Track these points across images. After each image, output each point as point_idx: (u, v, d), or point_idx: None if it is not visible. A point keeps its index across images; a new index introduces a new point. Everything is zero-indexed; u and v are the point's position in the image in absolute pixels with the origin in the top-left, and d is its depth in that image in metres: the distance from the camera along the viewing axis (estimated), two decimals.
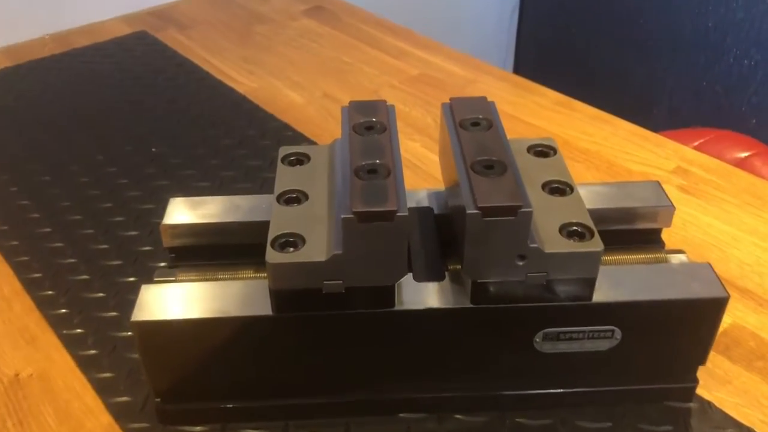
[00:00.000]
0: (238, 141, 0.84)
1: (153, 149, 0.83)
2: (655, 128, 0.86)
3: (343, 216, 0.42)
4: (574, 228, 0.46)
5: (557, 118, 0.87)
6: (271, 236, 0.45)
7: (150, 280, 0.51)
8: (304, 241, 0.45)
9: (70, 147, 0.84)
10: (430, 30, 1.19)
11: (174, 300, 0.47)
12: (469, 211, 0.42)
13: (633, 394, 0.52)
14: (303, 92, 0.95)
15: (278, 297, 0.45)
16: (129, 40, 1.09)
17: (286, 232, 0.45)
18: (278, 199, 0.49)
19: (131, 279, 0.64)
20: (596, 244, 0.44)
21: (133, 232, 0.70)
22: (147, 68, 1.01)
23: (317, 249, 0.44)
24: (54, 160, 0.81)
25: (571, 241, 0.45)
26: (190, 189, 0.76)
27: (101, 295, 0.63)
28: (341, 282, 0.44)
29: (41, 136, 0.86)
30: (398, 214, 0.42)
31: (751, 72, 1.42)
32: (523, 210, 0.42)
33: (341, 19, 1.15)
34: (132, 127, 0.88)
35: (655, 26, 1.52)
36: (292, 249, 0.45)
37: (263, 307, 0.46)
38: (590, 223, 0.46)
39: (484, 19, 1.75)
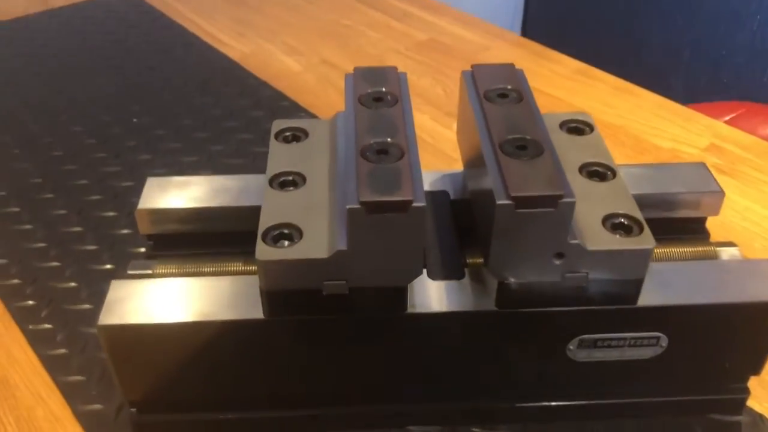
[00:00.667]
0: (229, 112, 0.77)
1: (134, 120, 0.76)
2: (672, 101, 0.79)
3: (348, 206, 0.35)
4: (620, 220, 0.39)
5: (578, 88, 0.80)
6: (262, 227, 0.38)
7: (125, 271, 0.44)
8: (301, 233, 0.38)
9: (43, 116, 0.77)
10: None
11: (149, 299, 0.41)
12: (499, 202, 0.35)
13: (675, 406, 0.46)
14: (300, 58, 0.87)
15: (271, 298, 0.38)
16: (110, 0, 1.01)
17: (280, 222, 0.39)
18: (271, 182, 0.42)
19: (107, 266, 0.58)
20: (646, 240, 0.38)
21: (111, 213, 0.63)
22: (130, 31, 0.94)
23: (317, 243, 0.37)
24: (24, 131, 0.74)
25: (617, 236, 0.38)
26: (175, 164, 0.69)
27: (73, 284, 0.56)
28: (345, 282, 0.37)
29: (10, 104, 0.79)
30: (414, 204, 0.35)
31: None
32: (564, 200, 0.35)
33: None
34: (113, 95, 0.81)
35: None
36: (287, 243, 0.38)
37: (253, 310, 0.39)
38: (638, 214, 0.39)
39: None
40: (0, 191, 0.66)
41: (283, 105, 0.78)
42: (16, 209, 0.64)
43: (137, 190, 0.59)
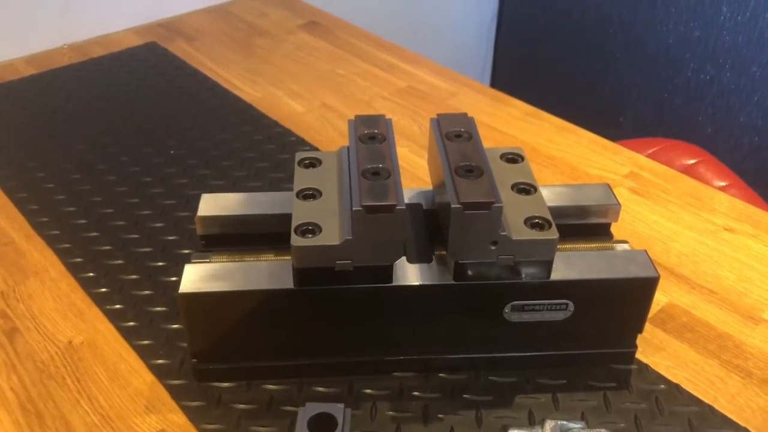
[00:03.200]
0: (247, 145, 0.94)
1: (171, 151, 0.93)
2: (621, 135, 0.98)
3: (354, 208, 0.53)
4: (536, 220, 0.57)
5: (528, 127, 0.99)
6: (294, 225, 0.56)
7: (177, 265, 0.61)
8: (320, 228, 0.56)
9: (96, 148, 0.94)
10: (415, 40, 1.31)
11: (212, 276, 0.58)
12: (453, 206, 0.53)
13: (584, 358, 0.64)
14: (302, 101, 1.05)
15: (300, 273, 0.56)
16: (141, 50, 1.19)
17: (306, 221, 0.56)
18: (297, 195, 0.60)
19: (161, 264, 0.75)
20: (553, 233, 0.56)
21: (160, 224, 0.80)
22: (160, 77, 1.11)
23: (331, 235, 0.55)
24: (83, 159, 0.91)
25: (534, 230, 0.56)
26: (207, 187, 0.86)
27: (136, 276, 0.73)
28: (350, 262, 0.55)
29: (69, 139, 0.96)
30: (397, 207, 0.53)
31: (707, 85, 1.56)
32: (495, 205, 0.53)
33: (334, 33, 1.26)
34: (151, 131, 0.97)
35: (621, 43, 1.65)
36: (311, 235, 0.56)
37: (286, 282, 0.57)
38: (549, 217, 0.57)
39: (465, 32, 1.87)
40: (69, 207, 0.83)
41: (290, 140, 0.96)
42: (84, 221, 0.81)
43: (178, 206, 0.78)
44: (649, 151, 1.04)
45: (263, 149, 0.93)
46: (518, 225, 0.57)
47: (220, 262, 0.62)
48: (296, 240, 0.55)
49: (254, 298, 0.57)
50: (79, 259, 0.75)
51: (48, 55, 1.17)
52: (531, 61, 1.86)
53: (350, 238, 0.54)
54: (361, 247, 0.55)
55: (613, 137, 0.99)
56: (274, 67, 1.15)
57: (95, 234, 0.79)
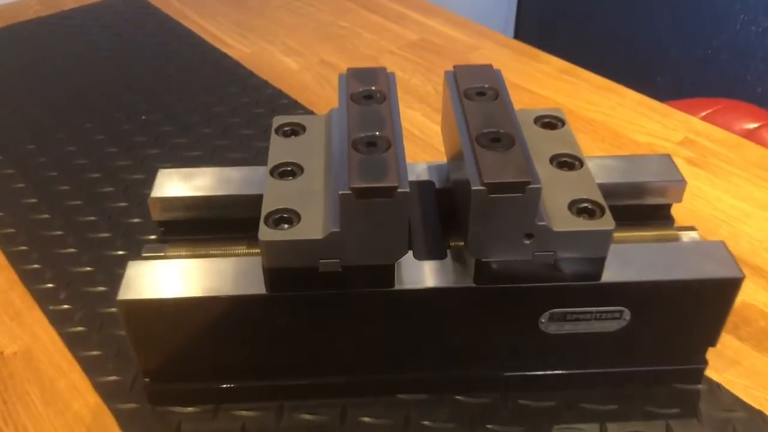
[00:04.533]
0: (232, 108, 0.81)
1: (143, 117, 0.80)
2: (658, 98, 0.83)
3: (340, 192, 0.39)
4: (584, 204, 0.43)
5: (562, 86, 0.85)
6: (264, 212, 0.43)
7: (139, 255, 0.49)
8: (299, 217, 0.43)
9: (56, 114, 0.81)
10: None
11: (163, 277, 0.45)
12: (474, 188, 0.40)
13: (640, 376, 0.50)
14: (298, 58, 0.91)
15: (272, 275, 0.43)
16: (118, 2, 1.06)
17: (280, 207, 0.43)
18: (272, 172, 0.46)
19: (120, 252, 0.62)
20: (607, 222, 0.42)
21: (123, 204, 0.68)
22: (137, 32, 0.98)
23: (313, 226, 0.42)
24: (40, 127, 0.79)
25: (581, 218, 0.43)
26: (182, 158, 0.73)
27: (89, 269, 0.61)
28: (338, 261, 0.42)
29: (27, 103, 0.83)
30: (399, 190, 0.39)
31: (759, 39, 1.39)
32: (531, 186, 0.40)
33: None
34: (121, 94, 0.85)
35: None
36: (286, 225, 0.42)
37: (257, 286, 0.44)
38: (601, 200, 0.44)
39: None
40: (18, 183, 0.70)
41: (282, 103, 0.82)
42: (34, 200, 0.68)
43: (146, 183, 0.64)
44: (703, 114, 0.89)
45: (250, 114, 0.80)
46: (561, 211, 0.43)
47: (177, 256, 0.49)
48: (266, 232, 0.42)
49: (217, 307, 0.44)
50: (23, 247, 0.63)
51: (12, 7, 1.04)
52: (558, 12, 1.70)
53: (337, 230, 0.41)
54: (351, 243, 0.41)
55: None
56: (267, 19, 1.01)
57: (46, 216, 0.66)
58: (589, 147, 0.74)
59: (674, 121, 0.79)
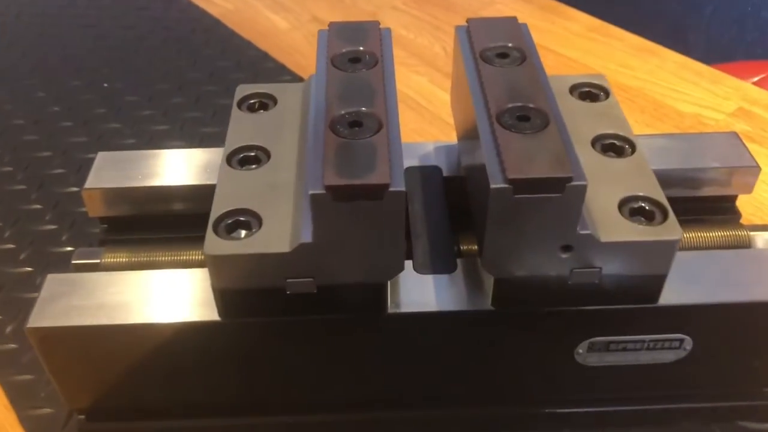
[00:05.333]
0: (208, 74, 0.71)
1: (105, 84, 0.69)
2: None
3: (311, 191, 0.29)
4: (640, 204, 0.33)
5: (593, 47, 0.73)
6: (214, 214, 0.32)
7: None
8: (260, 221, 0.32)
9: (4, 80, 0.71)
10: None
11: (87, 297, 0.35)
12: (493, 186, 0.29)
13: (699, 413, 0.40)
14: (288, 15, 0.80)
15: (225, 299, 0.33)
16: None
17: (236, 208, 0.33)
18: (229, 159, 0.36)
19: (67, 249, 0.52)
20: (672, 230, 0.31)
21: (74, 189, 0.58)
22: None
23: (278, 234, 0.31)
24: None
25: (636, 224, 0.32)
26: (146, 134, 0.63)
27: (28, 269, 0.51)
28: (312, 279, 0.32)
29: None
30: (391, 189, 0.29)
31: None
32: (573, 184, 0.29)
33: None
34: (83, 57, 0.74)
35: None
36: (243, 233, 0.32)
37: (209, 310, 0.34)
38: (662, 198, 0.33)
39: None
40: None
41: (267, 66, 0.71)
42: None
43: None
44: (754, 79, 0.78)
45: (228, 80, 0.70)
46: (608, 213, 0.32)
47: (115, 264, 0.38)
48: (215, 243, 0.31)
49: (158, 336, 0.34)
50: None
51: None
52: None
53: (308, 241, 0.30)
54: (329, 257, 0.31)
55: None
56: None
57: None
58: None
59: (725, 87, 0.67)
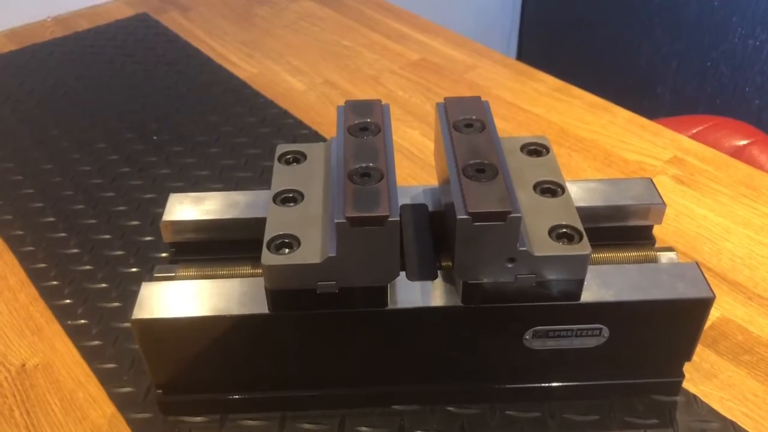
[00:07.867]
0: (239, 128, 0.85)
1: (154, 137, 0.83)
2: (659, 108, 0.86)
3: (336, 221, 0.43)
4: (564, 230, 0.47)
5: (556, 105, 0.88)
6: (267, 237, 0.46)
7: (151, 272, 0.52)
8: (299, 242, 0.46)
9: (72, 134, 0.85)
10: (432, 10, 1.19)
11: (173, 297, 0.49)
12: (459, 216, 0.43)
13: (620, 389, 0.53)
14: (303, 78, 0.95)
15: (274, 296, 0.46)
16: (131, 23, 1.09)
17: (281, 233, 0.47)
18: (275, 198, 0.50)
19: (134, 269, 0.66)
20: (584, 248, 0.45)
21: (135, 222, 0.71)
22: (148, 52, 1.01)
23: (312, 251, 0.45)
24: (56, 147, 0.82)
25: (560, 243, 0.46)
26: (191, 178, 0.77)
27: (104, 285, 0.64)
28: (335, 283, 0.45)
29: (44, 122, 0.87)
30: (389, 219, 0.43)
31: (756, 52, 1.41)
32: (512, 215, 0.43)
33: (342, 0, 1.15)
34: (133, 114, 0.88)
35: (659, 5, 1.51)
36: (287, 250, 0.46)
37: (260, 306, 0.47)
38: (579, 225, 0.47)
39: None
40: (37, 203, 0.74)
41: (287, 122, 0.86)
42: (52, 219, 0.72)
43: (158, 202, 0.68)
44: (693, 131, 0.92)
45: (256, 133, 0.84)
46: (541, 236, 0.46)
47: (187, 276, 0.52)
48: (268, 257, 0.45)
49: (223, 325, 0.48)
50: (42, 265, 0.67)
51: (30, 28, 1.08)
52: (560, 27, 1.72)
53: (333, 255, 0.44)
54: (347, 266, 0.45)
55: (651, 111, 0.88)
56: (273, 39, 1.04)
57: (63, 235, 0.70)
58: (580, 165, 0.77)
59: (664, 139, 0.82)
